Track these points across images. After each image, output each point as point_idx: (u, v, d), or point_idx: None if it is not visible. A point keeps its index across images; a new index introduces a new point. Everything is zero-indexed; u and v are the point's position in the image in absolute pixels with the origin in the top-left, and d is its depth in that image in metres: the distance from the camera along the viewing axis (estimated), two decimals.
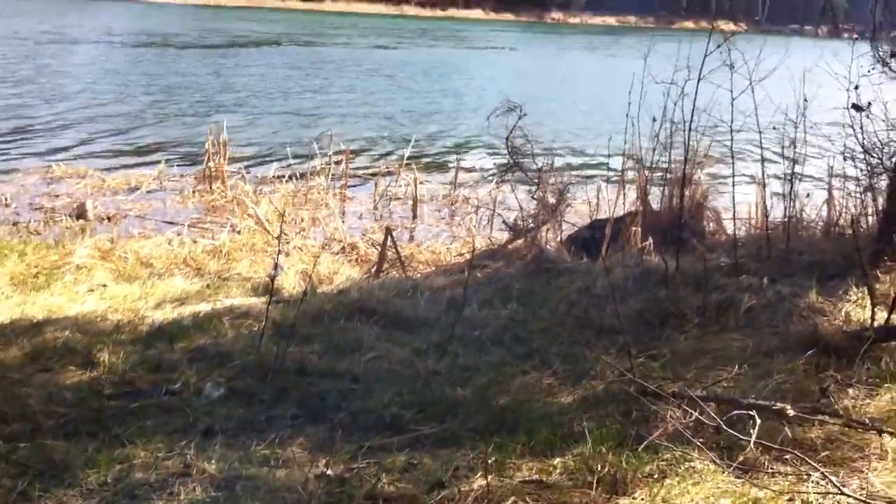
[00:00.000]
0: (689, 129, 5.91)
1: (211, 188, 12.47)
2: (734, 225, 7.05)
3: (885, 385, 3.96)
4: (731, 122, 5.88)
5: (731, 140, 6.06)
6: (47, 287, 6.87)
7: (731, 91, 5.73)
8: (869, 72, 5.54)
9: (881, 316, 4.56)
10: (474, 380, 4.56)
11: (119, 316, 5.71)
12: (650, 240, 7.88)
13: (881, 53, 5.50)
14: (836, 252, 6.39)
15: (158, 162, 13.71)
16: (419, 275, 8.21)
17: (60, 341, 4.94)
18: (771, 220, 7.20)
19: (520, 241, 8.39)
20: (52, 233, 9.87)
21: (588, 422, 3.84)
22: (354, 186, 14.09)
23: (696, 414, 3.44)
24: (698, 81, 5.51)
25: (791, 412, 3.38)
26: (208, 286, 6.91)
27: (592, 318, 5.52)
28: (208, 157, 12.85)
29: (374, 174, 14.40)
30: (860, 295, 5.21)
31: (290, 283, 7.78)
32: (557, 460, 3.46)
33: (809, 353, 4.41)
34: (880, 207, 6.45)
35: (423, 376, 4.63)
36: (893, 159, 5.77)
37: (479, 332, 5.41)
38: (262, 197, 12.29)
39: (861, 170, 6.12)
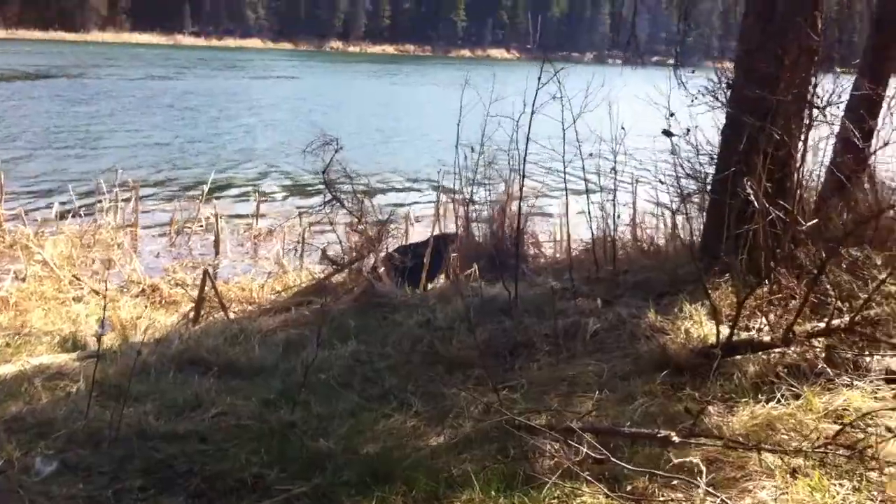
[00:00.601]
0: (524, 159, 5.93)
1: None
2: (569, 247, 7.17)
3: (743, 400, 4.08)
4: (563, 152, 5.98)
5: (564, 168, 6.17)
6: None
7: (563, 123, 5.82)
8: (693, 101, 5.78)
9: (723, 331, 4.71)
10: (334, 428, 4.28)
11: None
12: (475, 266, 7.91)
13: (714, 84, 5.76)
14: (656, 270, 6.63)
15: None
16: (239, 315, 7.76)
17: None
18: (591, 242, 7.38)
19: (343, 275, 8.15)
20: None
21: (467, 464, 3.68)
22: (147, 226, 13.30)
23: (585, 449, 3.37)
24: (531, 115, 5.55)
25: (676, 439, 3.38)
26: (8, 344, 6.16)
27: (440, 352, 5.38)
28: None
29: (168, 210, 13.68)
30: (693, 311, 5.39)
31: (93, 333, 7.11)
32: None
33: (663, 374, 4.49)
34: (694, 227, 6.78)
35: (277, 430, 4.29)
36: (709, 179, 6.05)
37: (324, 375, 5.11)
38: (46, 240, 11.33)
39: (678, 191, 6.40)
